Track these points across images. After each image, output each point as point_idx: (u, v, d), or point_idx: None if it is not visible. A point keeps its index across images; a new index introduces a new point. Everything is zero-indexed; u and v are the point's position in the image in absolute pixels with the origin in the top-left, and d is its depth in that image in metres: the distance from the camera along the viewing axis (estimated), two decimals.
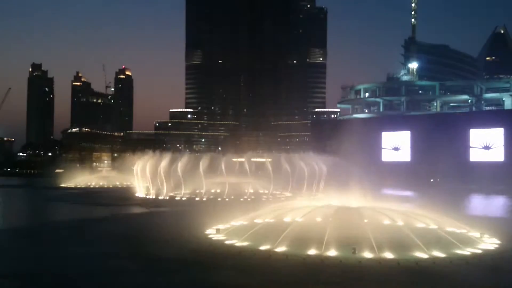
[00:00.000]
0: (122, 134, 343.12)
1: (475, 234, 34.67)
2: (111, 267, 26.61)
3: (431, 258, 27.86)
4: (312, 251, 28.72)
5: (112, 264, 27.22)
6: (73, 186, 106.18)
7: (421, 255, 28.32)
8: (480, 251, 30.35)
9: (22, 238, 37.33)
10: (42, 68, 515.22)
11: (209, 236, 34.68)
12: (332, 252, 28.42)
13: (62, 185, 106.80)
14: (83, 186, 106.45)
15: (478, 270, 25.98)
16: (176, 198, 72.94)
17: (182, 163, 79.99)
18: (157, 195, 75.56)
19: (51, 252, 30.92)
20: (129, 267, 26.31)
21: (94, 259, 28.54)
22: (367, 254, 28.01)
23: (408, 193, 78.35)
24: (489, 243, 32.92)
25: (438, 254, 28.68)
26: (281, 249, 29.53)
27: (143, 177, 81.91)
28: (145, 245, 32.44)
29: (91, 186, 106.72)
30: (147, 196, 76.18)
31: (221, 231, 35.60)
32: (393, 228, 33.60)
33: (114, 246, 32.72)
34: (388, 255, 28.05)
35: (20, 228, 43.36)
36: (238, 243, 31.79)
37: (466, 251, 29.86)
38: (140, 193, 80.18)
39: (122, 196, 78.07)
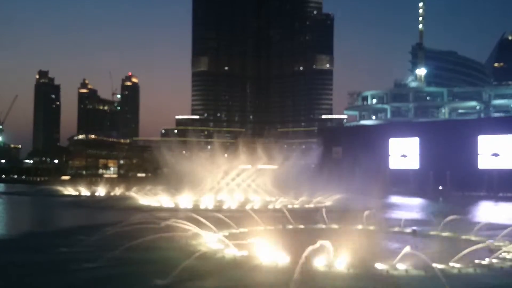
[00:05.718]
0: (128, 141, 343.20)
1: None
2: None
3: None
4: None
5: None
6: (78, 193, 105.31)
7: None
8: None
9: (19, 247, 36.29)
10: (49, 75, 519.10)
11: None
12: None
13: (67, 192, 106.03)
14: (88, 194, 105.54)
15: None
16: None
17: None
18: None
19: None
20: None
21: None
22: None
23: (418, 200, 77.05)
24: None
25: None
26: None
27: None
28: None
29: (97, 194, 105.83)
30: None
31: None
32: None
33: None
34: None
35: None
36: None
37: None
38: None
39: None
